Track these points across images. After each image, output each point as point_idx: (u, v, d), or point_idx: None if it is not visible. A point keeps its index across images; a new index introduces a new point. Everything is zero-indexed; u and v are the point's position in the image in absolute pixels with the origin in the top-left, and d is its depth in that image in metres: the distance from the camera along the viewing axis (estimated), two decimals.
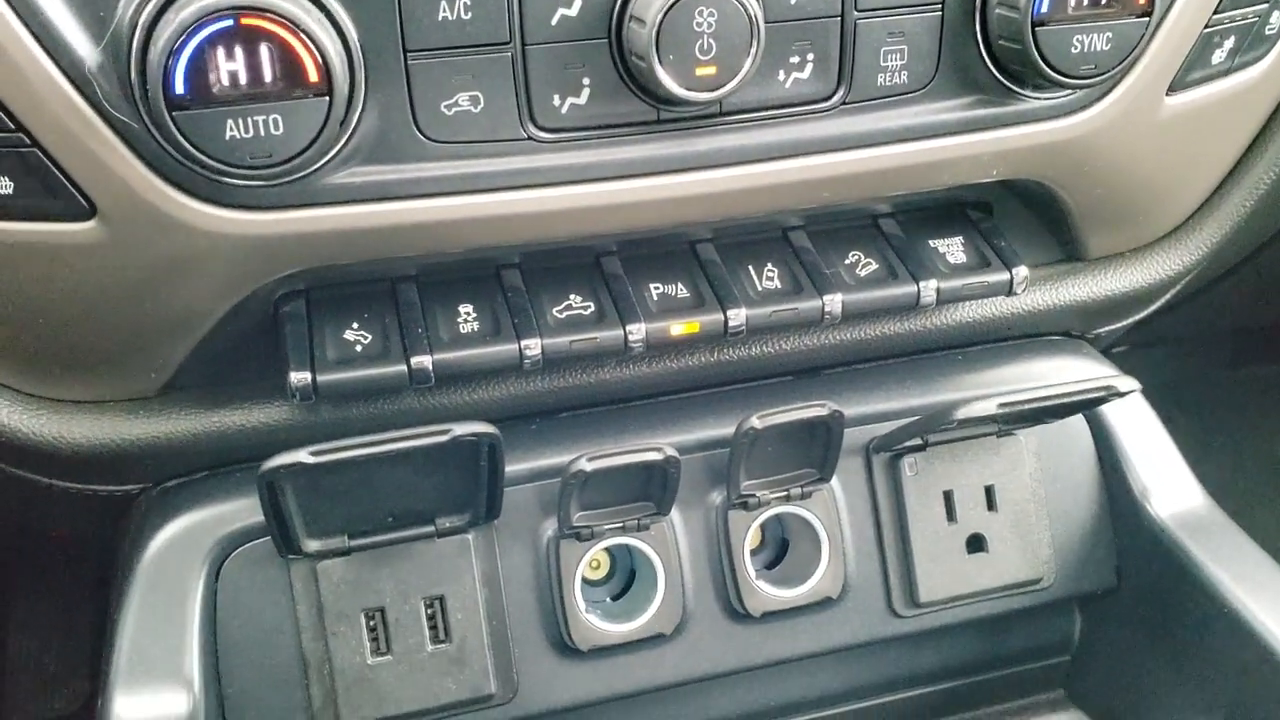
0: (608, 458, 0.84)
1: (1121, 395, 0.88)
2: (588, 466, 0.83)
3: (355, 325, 0.85)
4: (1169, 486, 0.99)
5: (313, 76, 0.68)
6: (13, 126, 0.70)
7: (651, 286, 0.90)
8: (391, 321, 0.86)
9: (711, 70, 0.74)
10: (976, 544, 0.98)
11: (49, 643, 1.95)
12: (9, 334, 0.81)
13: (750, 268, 0.92)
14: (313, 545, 0.85)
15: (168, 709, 0.81)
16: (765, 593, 0.93)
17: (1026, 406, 0.87)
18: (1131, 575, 1.01)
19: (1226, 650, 0.92)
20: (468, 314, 0.87)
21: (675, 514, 0.93)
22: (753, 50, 0.74)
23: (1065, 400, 0.87)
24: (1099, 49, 0.81)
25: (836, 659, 0.99)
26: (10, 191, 0.72)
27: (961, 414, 0.85)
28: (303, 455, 0.76)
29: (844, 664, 1.00)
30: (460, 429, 0.78)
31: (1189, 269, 1.06)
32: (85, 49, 0.69)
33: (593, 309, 0.88)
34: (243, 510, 0.86)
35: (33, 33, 0.68)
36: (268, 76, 0.67)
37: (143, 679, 0.82)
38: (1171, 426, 1.02)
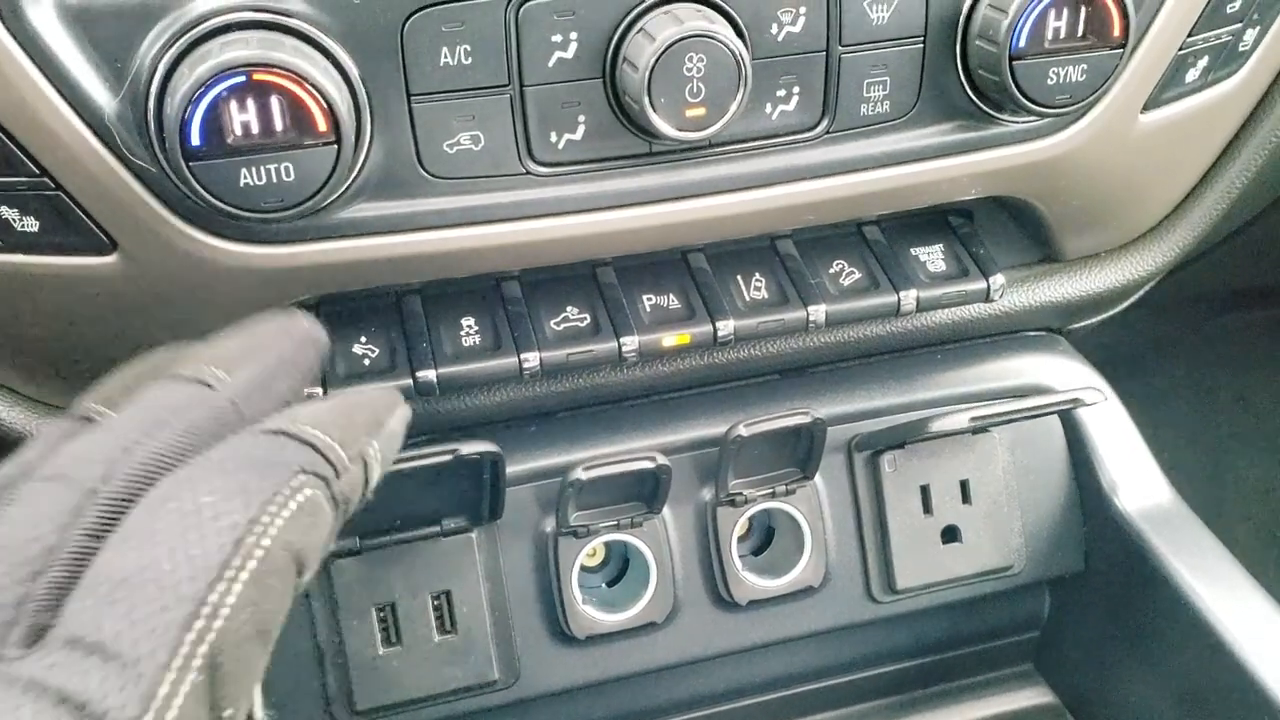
0: (603, 467, 0.89)
1: (1086, 405, 0.93)
2: (584, 476, 0.89)
3: (363, 339, 0.90)
4: (1137, 481, 1.04)
5: (322, 126, 0.71)
6: (37, 172, 0.74)
7: (644, 298, 0.94)
8: (397, 335, 0.90)
9: (701, 111, 0.77)
10: (951, 534, 1.04)
11: None
12: (33, 353, 0.85)
13: (739, 277, 0.96)
14: None
15: None
16: (751, 583, 0.99)
17: (996, 419, 0.92)
18: (1098, 561, 1.07)
19: (1181, 637, 0.98)
20: (469, 327, 0.91)
21: (667, 510, 0.98)
22: (740, 93, 0.77)
23: (1033, 412, 0.92)
24: (1075, 79, 0.84)
25: (818, 640, 1.05)
26: (35, 230, 0.76)
27: (936, 427, 0.90)
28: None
29: (824, 645, 1.07)
30: (465, 448, 0.83)
31: (1163, 267, 1.10)
32: (104, 98, 0.72)
33: (588, 320, 0.92)
34: None
35: (54, 84, 0.71)
36: (279, 127, 0.70)
37: None
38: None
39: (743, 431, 0.92)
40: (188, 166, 0.70)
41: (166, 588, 0.43)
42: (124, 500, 0.48)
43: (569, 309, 0.93)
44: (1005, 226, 1.04)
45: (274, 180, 0.71)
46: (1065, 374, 1.07)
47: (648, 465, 0.90)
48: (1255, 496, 2.03)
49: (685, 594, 0.99)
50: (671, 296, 0.95)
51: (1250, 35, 0.95)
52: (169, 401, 0.53)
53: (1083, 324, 1.13)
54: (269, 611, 0.46)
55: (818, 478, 1.00)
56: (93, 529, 0.47)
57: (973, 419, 0.91)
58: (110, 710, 0.41)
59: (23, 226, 0.76)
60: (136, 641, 0.42)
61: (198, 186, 0.71)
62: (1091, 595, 1.09)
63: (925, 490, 1.03)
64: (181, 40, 0.70)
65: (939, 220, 1.01)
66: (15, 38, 0.70)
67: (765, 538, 1.04)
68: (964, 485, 1.03)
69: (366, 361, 0.88)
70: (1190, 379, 2.04)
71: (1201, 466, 2.01)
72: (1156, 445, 1.09)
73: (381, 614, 0.93)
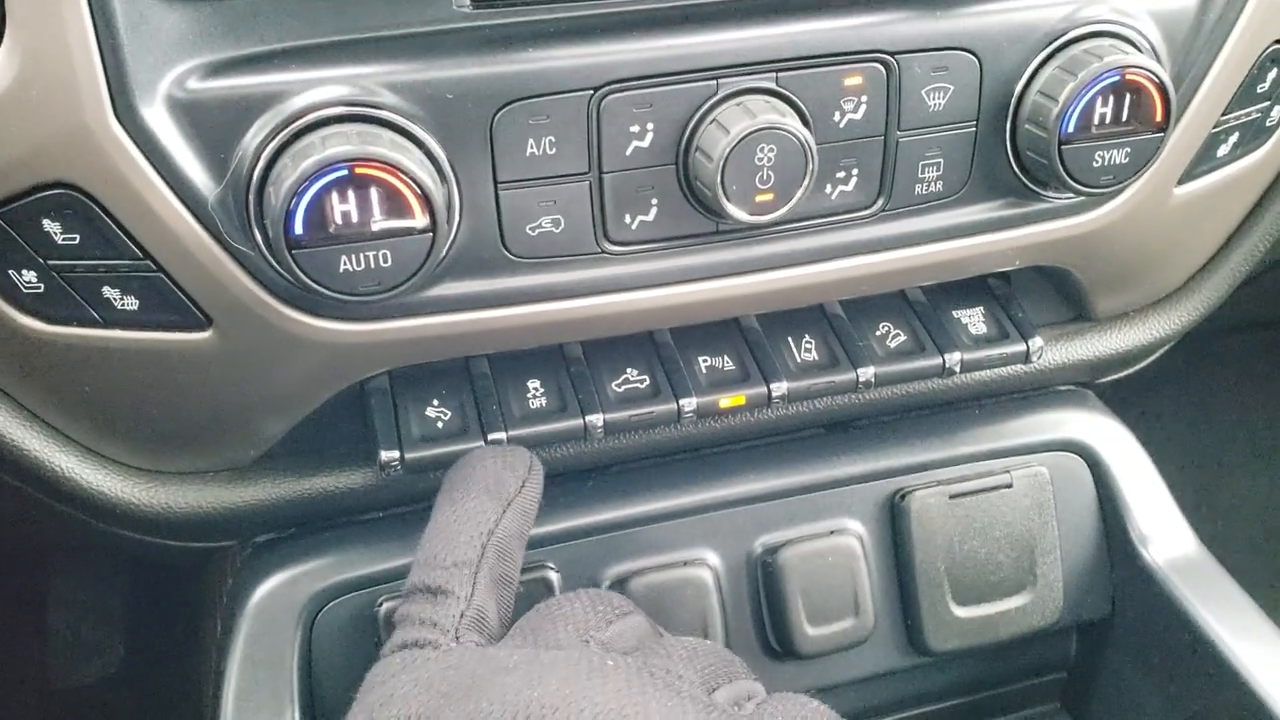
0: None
1: None
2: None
3: (435, 402, 0.94)
4: (1164, 531, 1.09)
5: (418, 214, 0.75)
6: (140, 255, 0.77)
7: (700, 359, 0.98)
8: (468, 398, 0.94)
9: (770, 196, 0.81)
10: (992, 583, 1.08)
11: (85, 613, 2.04)
12: (126, 420, 0.89)
13: (789, 338, 1.01)
14: None
15: None
16: (806, 634, 1.03)
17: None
18: (1125, 607, 1.12)
19: (1206, 681, 1.03)
20: (535, 389, 0.95)
21: (717, 561, 1.02)
22: (807, 180, 0.81)
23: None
24: (1118, 162, 0.88)
25: (856, 685, 1.09)
26: (136, 308, 0.80)
27: (975, 483, 0.98)
28: None
29: (862, 689, 1.11)
30: None
31: (1190, 324, 1.14)
32: (207, 186, 0.76)
33: (648, 382, 0.96)
34: (332, 567, 0.95)
35: (160, 172, 0.75)
36: (377, 216, 0.74)
37: None
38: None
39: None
40: (290, 254, 0.74)
41: None
42: None
43: (629, 370, 0.97)
44: (1040, 288, 1.09)
45: (372, 266, 0.75)
46: (1096, 429, 1.11)
47: (692, 573, 0.99)
48: (1252, 515, 2.09)
49: (735, 643, 1.03)
50: (726, 358, 0.99)
51: (1277, 111, 1.00)
52: None
53: (1111, 378, 1.17)
54: None
55: (862, 530, 1.05)
56: None
57: (951, 495, 1.05)
58: None
59: (123, 305, 0.80)
60: None
61: (300, 273, 0.74)
62: (1118, 639, 1.14)
63: (965, 541, 1.07)
64: (283, 133, 0.74)
65: (978, 282, 1.06)
66: (127, 130, 0.73)
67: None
68: (1003, 536, 1.08)
69: (440, 425, 0.92)
70: (1188, 398, 2.10)
71: (1198, 485, 2.06)
72: (1154, 462, 1.14)
73: None
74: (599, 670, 0.62)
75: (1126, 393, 1.22)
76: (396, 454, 0.89)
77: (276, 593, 0.95)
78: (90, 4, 0.70)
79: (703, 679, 0.67)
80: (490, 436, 0.91)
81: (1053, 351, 1.10)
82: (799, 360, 1.00)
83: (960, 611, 1.07)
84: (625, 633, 0.72)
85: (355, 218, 0.74)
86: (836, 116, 0.84)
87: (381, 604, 0.95)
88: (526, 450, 0.84)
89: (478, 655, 0.66)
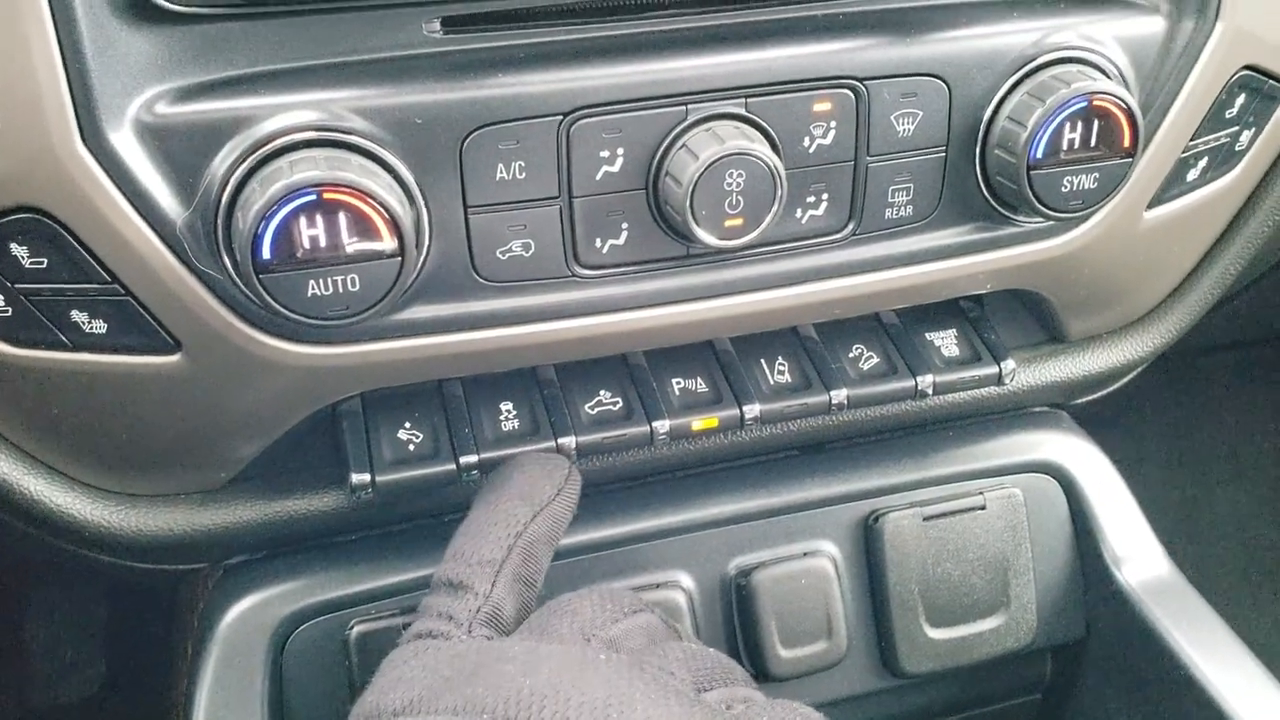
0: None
1: None
2: None
3: (408, 424, 0.93)
4: (1137, 553, 1.10)
5: (386, 239, 0.75)
6: (108, 279, 0.77)
7: (673, 381, 0.98)
8: (440, 421, 0.94)
9: (739, 221, 0.82)
10: (966, 605, 1.08)
11: (64, 632, 2.03)
12: (95, 442, 0.88)
13: (762, 361, 1.01)
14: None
15: None
16: (781, 656, 1.03)
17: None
18: (1099, 629, 1.12)
19: (1179, 704, 1.03)
20: (508, 411, 0.95)
21: (690, 583, 1.02)
22: (776, 205, 0.81)
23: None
24: (1087, 187, 0.89)
25: (829, 707, 1.09)
26: (103, 331, 0.80)
27: (950, 505, 0.98)
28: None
29: (836, 711, 1.11)
30: None
31: (1162, 346, 1.15)
32: (175, 210, 0.76)
33: (621, 405, 0.96)
34: (304, 590, 0.95)
35: (128, 197, 0.75)
36: (345, 240, 0.74)
37: None
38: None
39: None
40: (258, 278, 0.74)
41: None
42: None
43: (602, 393, 0.97)
44: (1013, 310, 1.09)
45: (340, 290, 0.75)
46: (1070, 451, 1.12)
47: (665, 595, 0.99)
48: (1231, 533, 2.10)
49: None
50: (699, 380, 0.99)
51: (1246, 136, 1.01)
52: None
53: (1085, 399, 1.18)
54: None
55: (836, 551, 1.05)
56: None
57: (925, 518, 1.05)
58: None
59: (91, 328, 0.79)
60: None
61: (267, 297, 0.74)
62: (1092, 661, 1.14)
63: (940, 562, 1.07)
64: (252, 158, 0.74)
65: (951, 305, 1.06)
66: (94, 155, 0.73)
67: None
68: (977, 558, 1.08)
69: (411, 447, 0.92)
70: (1168, 417, 2.11)
71: (1178, 504, 2.07)
72: (1133, 481, 1.14)
73: None
74: (591, 663, 0.65)
75: (1108, 412, 1.22)
76: (367, 477, 0.89)
77: (247, 616, 0.94)
78: (57, 28, 0.70)
79: (695, 679, 0.70)
80: (462, 460, 0.91)
81: (1025, 373, 1.10)
82: (772, 382, 1.00)
83: (934, 633, 1.07)
84: (633, 631, 0.74)
85: (323, 242, 0.74)
86: (806, 142, 0.85)
87: (353, 627, 0.94)
88: (566, 459, 0.88)
89: (482, 646, 0.69)
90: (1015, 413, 1.14)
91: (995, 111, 0.87)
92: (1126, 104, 0.86)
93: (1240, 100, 0.97)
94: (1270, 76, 0.97)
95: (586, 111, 0.79)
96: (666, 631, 0.77)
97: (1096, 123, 0.86)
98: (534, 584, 0.79)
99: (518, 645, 0.68)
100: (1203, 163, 0.99)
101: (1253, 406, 2.11)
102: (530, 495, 0.82)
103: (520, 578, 0.77)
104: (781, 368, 1.01)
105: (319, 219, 0.73)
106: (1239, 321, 1.60)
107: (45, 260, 0.76)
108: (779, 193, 0.81)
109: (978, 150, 0.89)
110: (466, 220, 0.80)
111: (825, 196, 0.87)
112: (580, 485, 0.86)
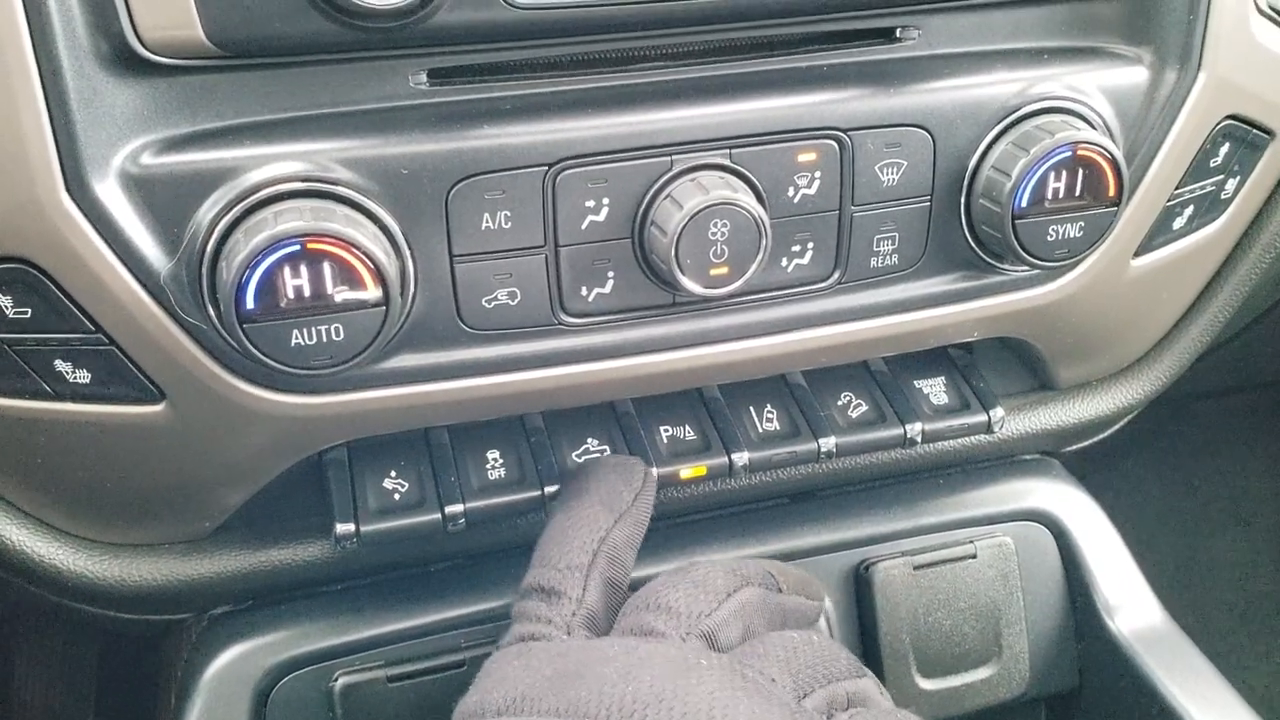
0: None
1: None
2: None
3: (393, 473, 0.93)
4: (1130, 602, 1.09)
5: (371, 289, 0.75)
6: (92, 329, 0.77)
7: (661, 429, 0.98)
8: (426, 470, 0.93)
9: (724, 270, 0.82)
10: (957, 655, 1.07)
11: (54, 680, 2.01)
12: (79, 492, 0.88)
13: (751, 408, 1.01)
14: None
15: None
16: None
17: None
18: (1092, 679, 1.11)
19: None
20: (495, 460, 0.95)
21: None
22: (761, 254, 0.82)
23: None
24: (1072, 235, 0.89)
25: None
26: (87, 381, 0.79)
27: (941, 554, 0.97)
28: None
29: None
30: None
31: (1152, 394, 1.15)
32: (159, 260, 0.76)
33: (609, 452, 0.96)
34: (288, 641, 0.94)
35: (112, 247, 0.75)
36: (330, 291, 0.74)
37: None
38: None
39: None
40: (242, 328, 0.74)
41: None
42: None
43: (589, 440, 0.97)
44: (1002, 358, 1.09)
45: (324, 340, 0.75)
46: (1061, 498, 1.11)
47: None
48: (1229, 578, 2.08)
49: None
50: (687, 428, 0.99)
51: (1231, 184, 1.01)
52: None
53: (1075, 447, 1.17)
54: None
55: (827, 601, 1.04)
56: None
57: (916, 567, 1.04)
58: None
59: (75, 378, 0.79)
60: None
61: (251, 346, 0.74)
62: (1085, 712, 1.13)
63: (931, 611, 1.06)
64: (237, 208, 0.74)
65: (940, 352, 1.06)
66: (79, 205, 0.73)
67: None
68: (968, 607, 1.07)
69: (397, 497, 0.92)
70: (1165, 461, 2.10)
71: (1176, 548, 2.06)
72: (1131, 528, 1.14)
73: None
74: (694, 669, 0.65)
75: (1105, 459, 1.22)
76: (352, 527, 0.89)
77: (231, 667, 0.93)
78: (43, 80, 0.70)
79: (796, 683, 0.70)
80: (447, 509, 0.91)
81: (1015, 421, 1.10)
82: (761, 430, 0.99)
83: (925, 684, 1.06)
84: (729, 620, 0.75)
85: (307, 292, 0.74)
86: (790, 192, 0.85)
87: (337, 679, 0.93)
88: (642, 462, 0.89)
89: (583, 644, 0.70)
90: (1006, 460, 1.14)
91: (980, 161, 0.88)
92: (1111, 153, 0.86)
93: (1224, 149, 0.98)
94: (1254, 126, 0.97)
95: (572, 162, 0.79)
96: (764, 606, 0.77)
97: (1081, 172, 0.87)
98: (621, 587, 0.80)
99: (616, 645, 0.69)
100: (1188, 211, 1.00)
101: (1251, 452, 2.11)
102: (609, 501, 0.84)
103: (608, 581, 0.79)
104: (770, 415, 1.01)
105: (303, 269, 0.73)
106: (1230, 368, 1.60)
107: (29, 310, 0.76)
108: (764, 242, 0.81)
109: (963, 199, 0.89)
110: (452, 269, 0.80)
111: (810, 245, 0.87)
112: (656, 487, 0.88)
